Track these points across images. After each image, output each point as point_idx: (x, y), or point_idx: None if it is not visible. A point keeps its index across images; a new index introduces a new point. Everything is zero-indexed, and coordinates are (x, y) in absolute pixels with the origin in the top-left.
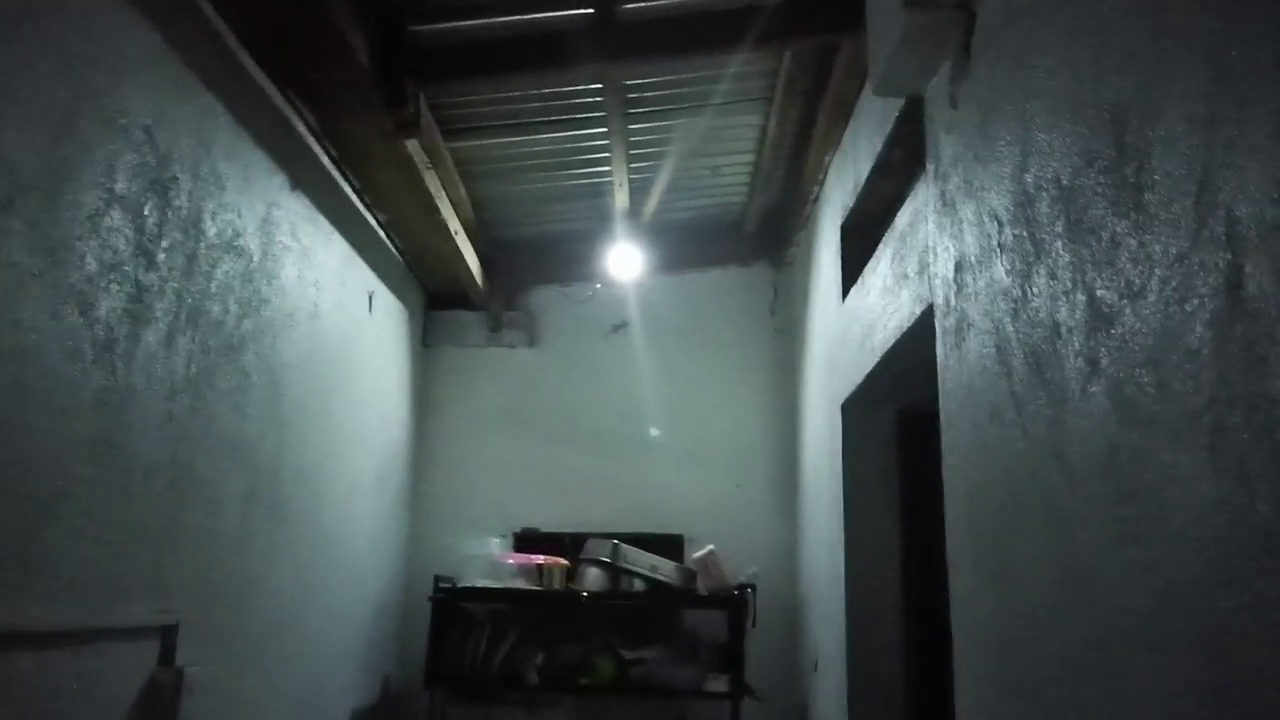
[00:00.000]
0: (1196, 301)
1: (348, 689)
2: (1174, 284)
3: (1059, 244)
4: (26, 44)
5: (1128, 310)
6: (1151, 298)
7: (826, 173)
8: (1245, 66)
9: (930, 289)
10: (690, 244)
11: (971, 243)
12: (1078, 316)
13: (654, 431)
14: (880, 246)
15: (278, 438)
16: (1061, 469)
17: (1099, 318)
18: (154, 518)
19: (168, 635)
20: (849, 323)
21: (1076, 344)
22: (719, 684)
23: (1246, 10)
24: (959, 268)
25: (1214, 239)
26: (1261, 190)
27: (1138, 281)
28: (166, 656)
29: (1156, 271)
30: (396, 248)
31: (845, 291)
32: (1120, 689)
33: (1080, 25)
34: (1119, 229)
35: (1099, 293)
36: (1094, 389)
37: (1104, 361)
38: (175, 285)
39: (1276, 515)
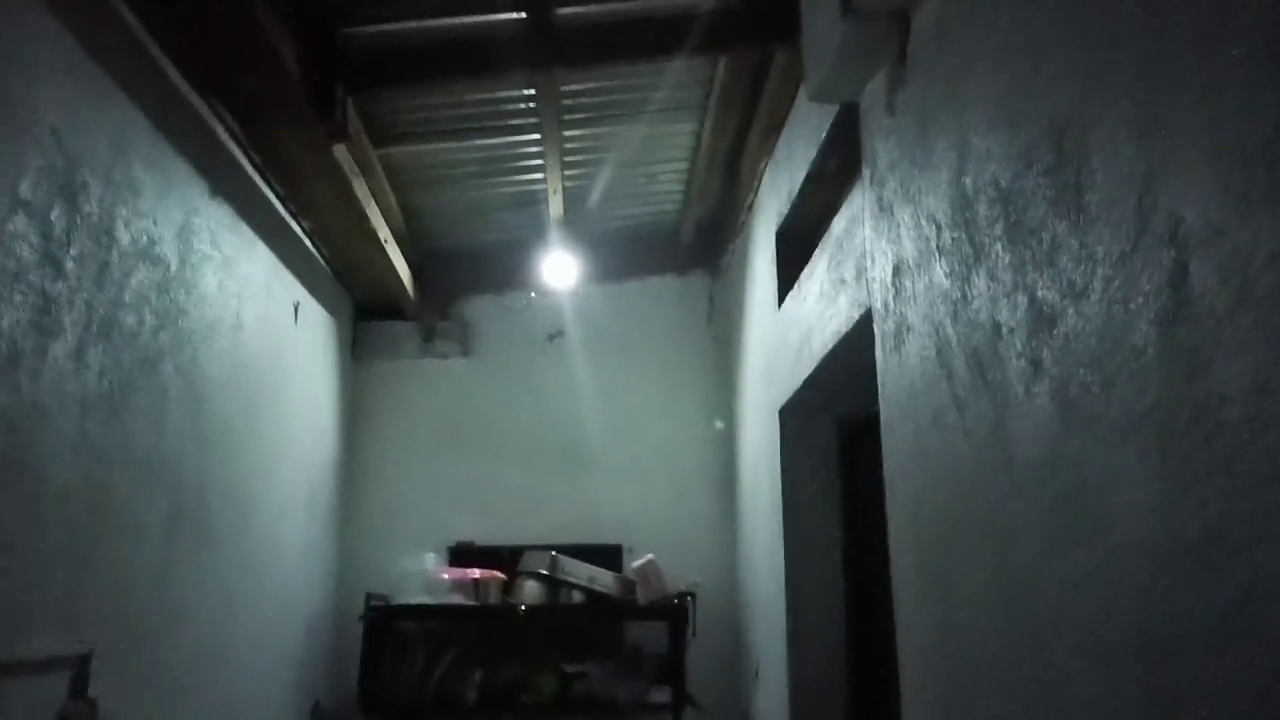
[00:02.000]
0: (1140, 300)
1: (276, 715)
2: (1117, 283)
3: (998, 246)
4: None
5: (1070, 310)
6: (1094, 297)
7: (761, 181)
8: (1181, 76)
9: (868, 293)
10: (626, 253)
11: (909, 246)
12: (1019, 317)
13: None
14: (816, 253)
15: (201, 456)
16: (1005, 474)
17: (1041, 318)
18: (68, 543)
19: (80, 666)
20: (786, 329)
21: (1019, 345)
22: (661, 695)
23: (1180, 28)
24: (897, 271)
25: (1157, 239)
26: (1206, 192)
27: (1080, 281)
28: (79, 688)
29: (1099, 271)
30: (324, 257)
31: (781, 298)
32: (1061, 700)
33: (1015, 37)
34: (1060, 230)
35: (1040, 293)
36: (1037, 390)
37: (1047, 362)
38: (85, 295)
39: (1222, 520)
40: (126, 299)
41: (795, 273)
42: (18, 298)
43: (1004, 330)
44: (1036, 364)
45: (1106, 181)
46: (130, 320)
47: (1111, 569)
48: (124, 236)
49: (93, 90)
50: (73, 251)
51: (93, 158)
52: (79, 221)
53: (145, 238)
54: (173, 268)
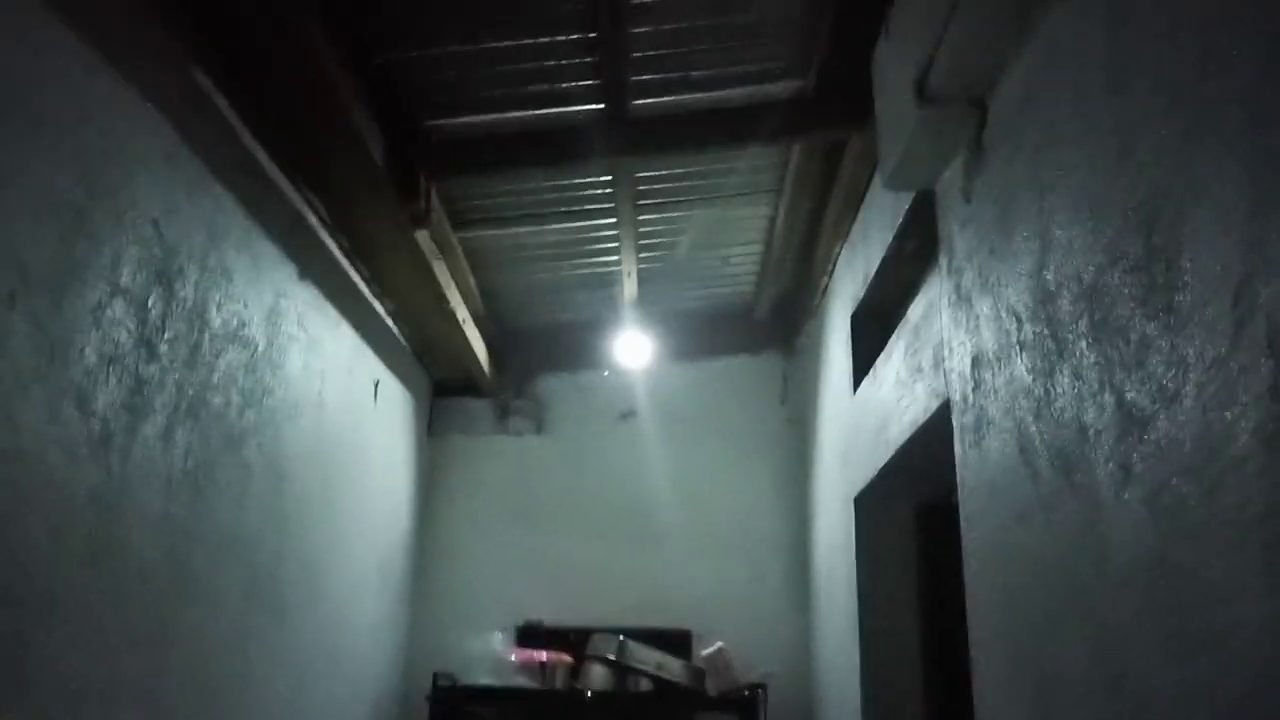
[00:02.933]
0: (1238, 409)
1: None
2: (1212, 389)
3: (1083, 344)
4: (43, 141)
5: (1162, 415)
6: (1188, 403)
7: (836, 263)
8: None
9: (946, 383)
10: (700, 332)
11: (989, 338)
12: (1106, 419)
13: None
14: (893, 338)
15: (279, 532)
16: (1100, 579)
17: (1131, 421)
18: (149, 620)
19: None
20: (861, 415)
21: (1107, 448)
22: None
23: None
24: (976, 363)
25: (1254, 343)
26: None
27: (1171, 386)
28: None
29: (1192, 376)
30: (404, 336)
31: (857, 383)
32: None
33: (1100, 121)
34: (1149, 330)
35: (1129, 395)
36: (1128, 496)
37: (1138, 468)
38: (176, 377)
39: None
40: (215, 380)
41: (871, 356)
42: (113, 381)
43: (1090, 432)
44: (1127, 469)
45: (1198, 280)
46: (218, 400)
47: (1227, 682)
48: (215, 320)
49: (189, 178)
50: (167, 335)
51: (189, 245)
52: (174, 306)
53: (236, 320)
54: (260, 348)
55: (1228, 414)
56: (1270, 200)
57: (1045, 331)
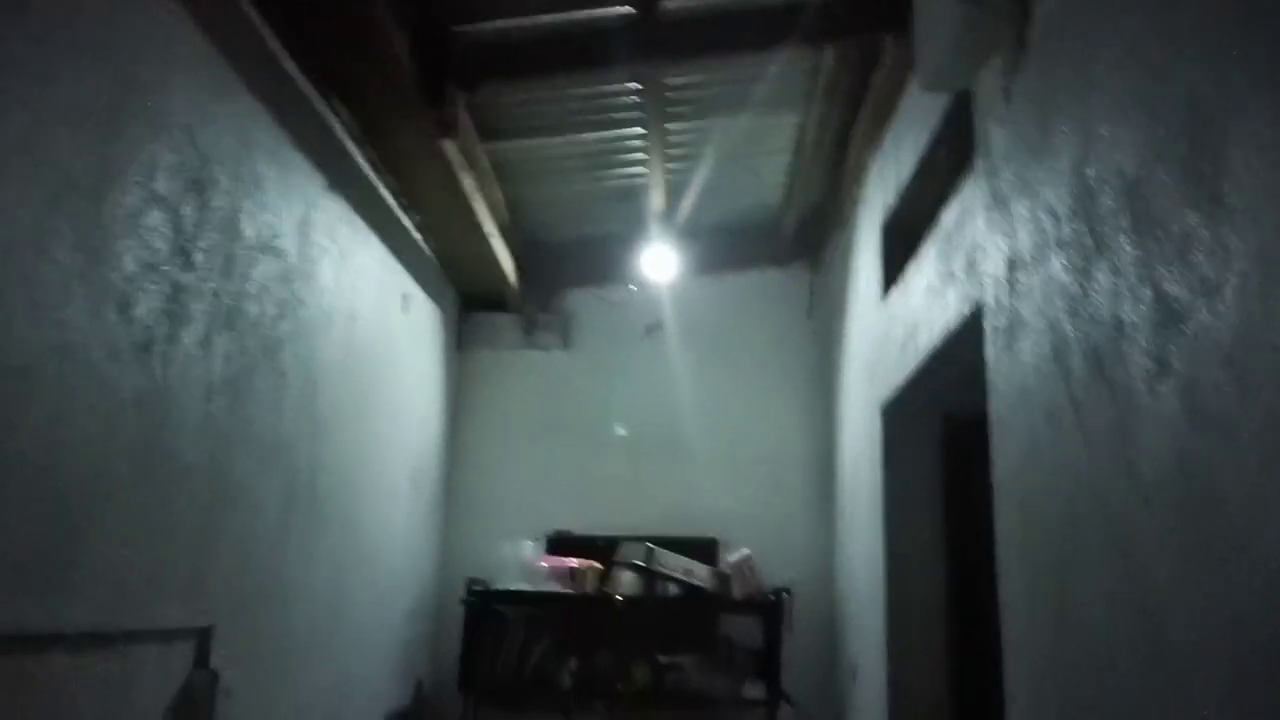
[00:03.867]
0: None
1: (381, 693)
2: (1256, 280)
3: (1123, 239)
4: (76, 40)
5: (1202, 307)
6: (1229, 294)
7: (867, 173)
8: None
9: (980, 288)
10: (726, 246)
11: (1025, 240)
12: (1144, 313)
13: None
14: (924, 246)
15: (314, 440)
16: (1129, 480)
17: (1169, 315)
18: (192, 520)
19: (203, 638)
20: (890, 324)
21: (1143, 342)
22: (755, 691)
23: None
24: (1012, 266)
25: None
26: None
27: (1213, 276)
28: (202, 659)
29: (1235, 266)
30: (432, 250)
31: (886, 292)
32: None
33: (1149, 18)
34: (1191, 222)
35: (1168, 288)
36: (1163, 390)
37: (1175, 361)
38: (213, 285)
39: None
40: (250, 290)
41: (901, 266)
42: (152, 287)
43: (1127, 327)
44: (1163, 362)
45: (1246, 170)
46: (253, 310)
47: (1255, 589)
48: (248, 230)
49: (220, 85)
50: (201, 244)
51: (221, 153)
52: (208, 215)
53: (268, 231)
54: (292, 260)
55: (1270, 302)
56: None
57: (1084, 228)
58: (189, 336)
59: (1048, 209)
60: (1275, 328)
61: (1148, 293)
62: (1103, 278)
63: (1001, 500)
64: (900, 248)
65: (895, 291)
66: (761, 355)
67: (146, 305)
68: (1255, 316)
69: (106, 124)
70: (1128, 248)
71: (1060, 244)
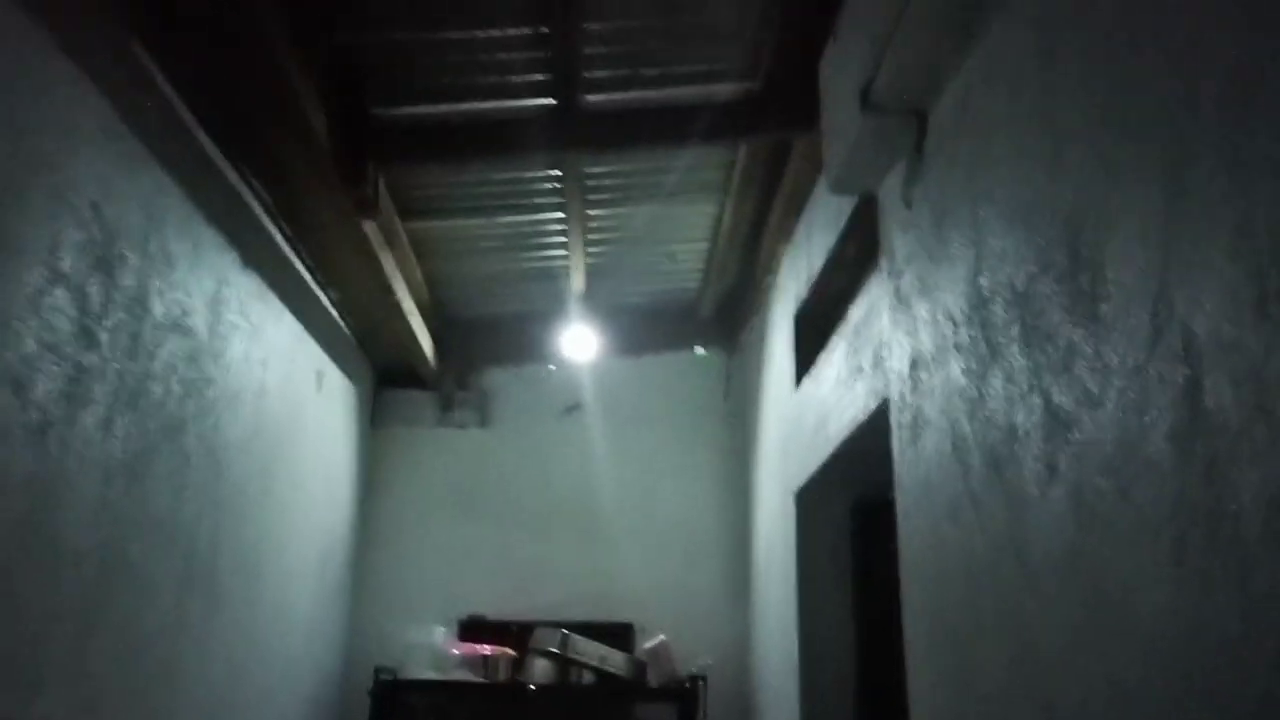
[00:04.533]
0: (1155, 413)
1: None
2: (1132, 394)
3: (1014, 348)
4: None
5: (1086, 418)
6: (1110, 407)
7: (780, 263)
8: (1202, 185)
9: (886, 383)
10: (645, 327)
11: (927, 340)
12: (1035, 420)
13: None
14: (834, 338)
15: (215, 520)
16: (1021, 571)
17: (1057, 423)
18: (80, 605)
19: None
20: (802, 411)
21: (1035, 448)
22: None
23: (1202, 130)
24: (914, 365)
25: (1171, 352)
26: (1218, 306)
27: (1095, 390)
28: None
29: (1114, 381)
30: (348, 326)
31: (799, 379)
32: None
33: (1031, 138)
34: (1075, 337)
35: (1056, 399)
36: (1053, 493)
37: (1063, 466)
38: (117, 366)
39: (1241, 631)
40: (156, 369)
41: (813, 355)
42: (53, 368)
43: (1020, 432)
44: (1052, 468)
45: (1120, 290)
46: (158, 390)
47: (1131, 673)
48: (157, 308)
49: (128, 158)
50: (107, 323)
51: (129, 228)
52: (114, 294)
53: (177, 309)
54: (202, 337)
55: (1145, 417)
56: (1186, 216)
57: (979, 335)
58: (89, 418)
59: (946, 313)
60: (1150, 442)
61: (1038, 401)
62: (997, 384)
63: (907, 586)
64: (812, 336)
65: (807, 380)
66: (679, 437)
67: (44, 387)
68: (1133, 430)
69: (7, 200)
70: (1019, 357)
71: (958, 348)
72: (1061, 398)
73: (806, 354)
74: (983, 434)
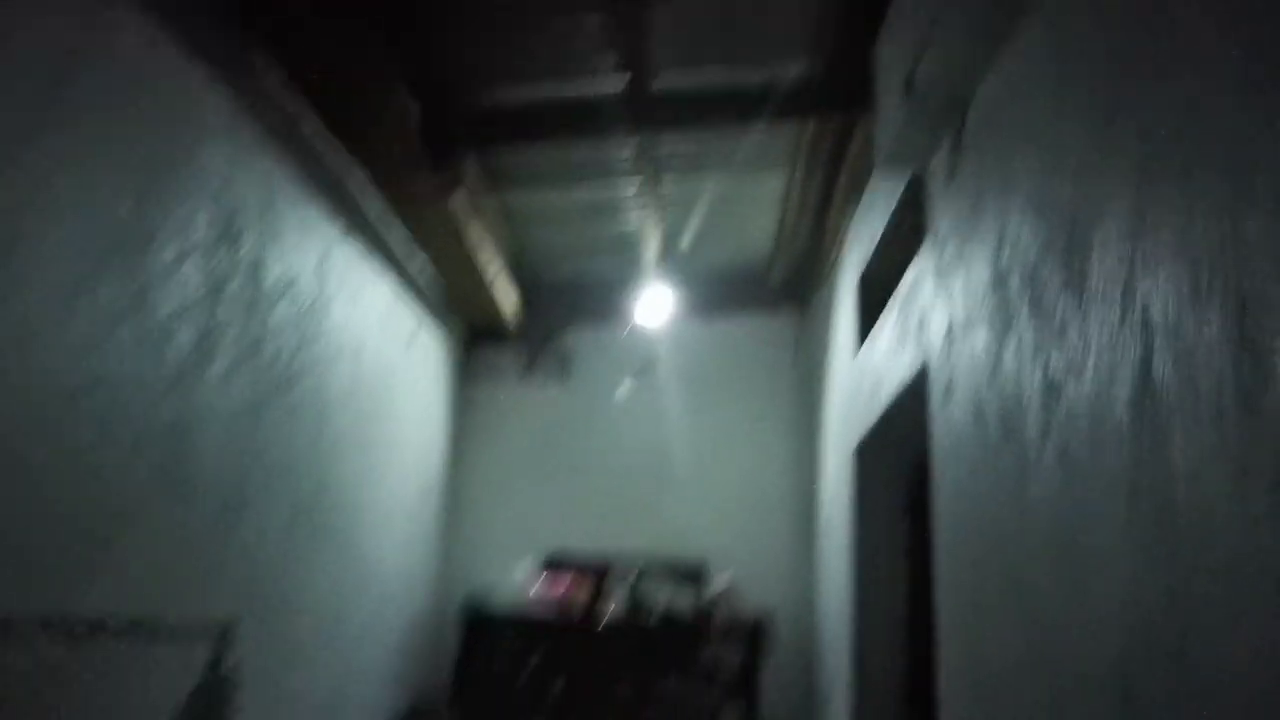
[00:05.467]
0: (1120, 383)
1: (378, 698)
2: (1105, 363)
3: (1024, 319)
4: (123, 109)
5: (1071, 385)
6: (1088, 375)
7: (845, 234)
8: (1162, 194)
9: (927, 349)
10: (718, 291)
11: (960, 310)
12: (1036, 387)
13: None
14: (889, 305)
15: (320, 464)
16: (1020, 518)
17: (1051, 390)
18: (211, 533)
19: (220, 636)
20: (861, 375)
21: (1035, 412)
22: (733, 713)
23: (1162, 151)
24: (950, 332)
25: (1133, 328)
26: (1170, 287)
27: (1079, 360)
28: (221, 653)
29: (1092, 351)
30: (438, 290)
31: (860, 345)
32: None
33: (1044, 135)
34: (1068, 313)
35: (1052, 367)
36: (1046, 455)
37: (1053, 430)
38: (237, 327)
39: (1182, 580)
40: (270, 328)
41: (872, 322)
42: (185, 328)
43: (1025, 398)
44: (1046, 431)
45: (1101, 272)
46: (271, 347)
47: (1099, 591)
48: (271, 274)
49: (247, 145)
50: (229, 289)
51: (247, 206)
52: (236, 263)
53: (288, 275)
54: (308, 300)
55: (1113, 386)
56: (1150, 215)
57: (1000, 307)
58: (214, 373)
59: (976, 286)
60: (1114, 407)
61: (1039, 371)
62: (1010, 352)
63: (939, 541)
64: (873, 305)
65: (866, 345)
66: (749, 397)
67: (179, 344)
68: (1102, 396)
69: (149, 186)
70: (1028, 328)
71: (984, 319)
72: (1055, 367)
73: (867, 321)
74: (998, 399)
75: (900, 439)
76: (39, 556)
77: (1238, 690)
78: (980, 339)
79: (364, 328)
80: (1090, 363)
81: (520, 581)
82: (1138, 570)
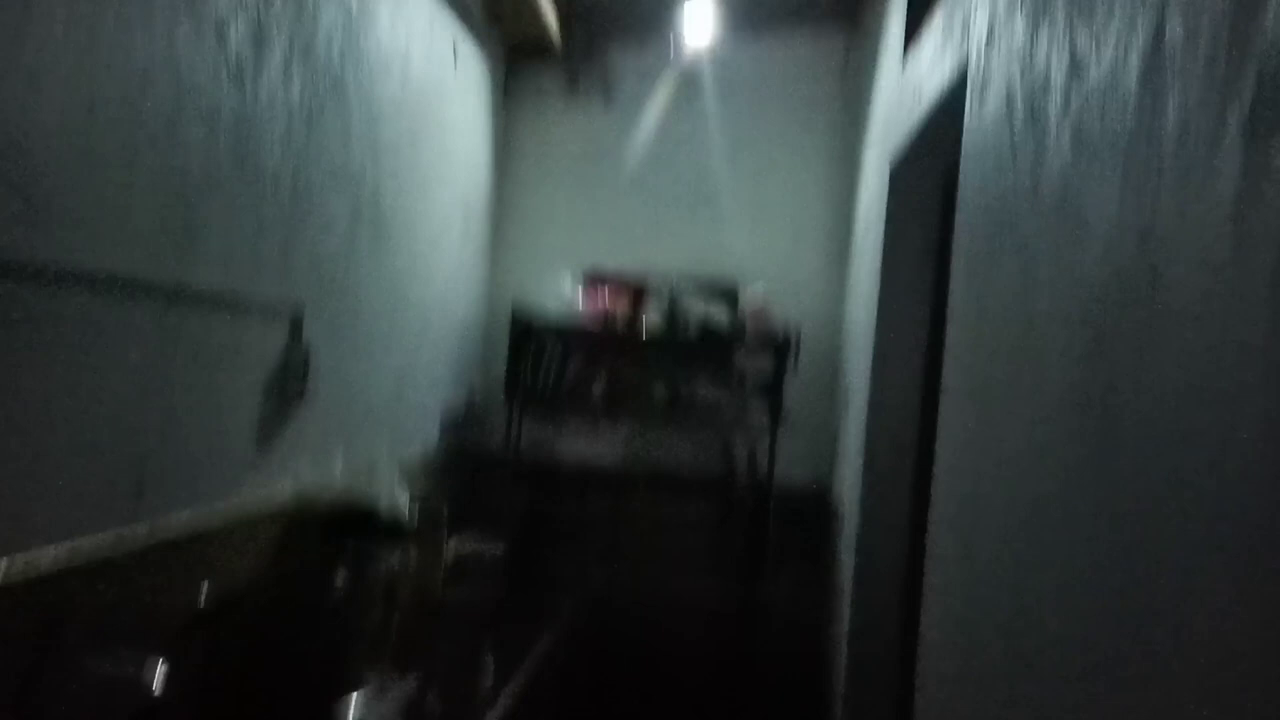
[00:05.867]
0: (1135, 49)
1: (438, 389)
2: (1124, 33)
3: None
4: None
5: (1092, 63)
6: (1108, 50)
7: None
8: None
9: (967, 51)
10: (765, 5)
11: (1001, 4)
12: (1063, 66)
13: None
14: (932, 12)
15: (376, 166)
16: (1034, 207)
17: (1075, 68)
18: (279, 222)
19: (295, 316)
20: (903, 91)
21: (1058, 92)
22: (761, 414)
23: None
24: (990, 30)
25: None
26: None
27: (1101, 34)
28: (296, 333)
29: (1113, 27)
30: (480, 3)
31: (906, 50)
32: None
33: None
34: None
35: (1078, 44)
36: (1063, 133)
37: (1073, 108)
38: (288, 27)
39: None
40: (319, 33)
41: (919, 32)
42: (241, 20)
43: (1051, 81)
44: (1067, 107)
45: None
46: (322, 51)
47: (1082, 260)
48: None
49: None
50: None
51: None
52: None
53: None
54: (354, 9)
55: (1130, 58)
56: None
57: None
58: (273, 65)
59: None
60: (1126, 78)
61: (1066, 50)
62: (1044, 34)
63: (957, 245)
64: (922, 14)
65: (911, 57)
66: (794, 116)
67: (237, 34)
68: (1119, 70)
69: None
70: (1060, 8)
71: (1021, 7)
72: (1081, 42)
73: (913, 32)
74: (1029, 85)
75: (935, 151)
76: (141, 223)
77: (1198, 323)
78: (1018, 30)
79: (409, 38)
80: (1111, 38)
81: (563, 294)
82: (1122, 217)
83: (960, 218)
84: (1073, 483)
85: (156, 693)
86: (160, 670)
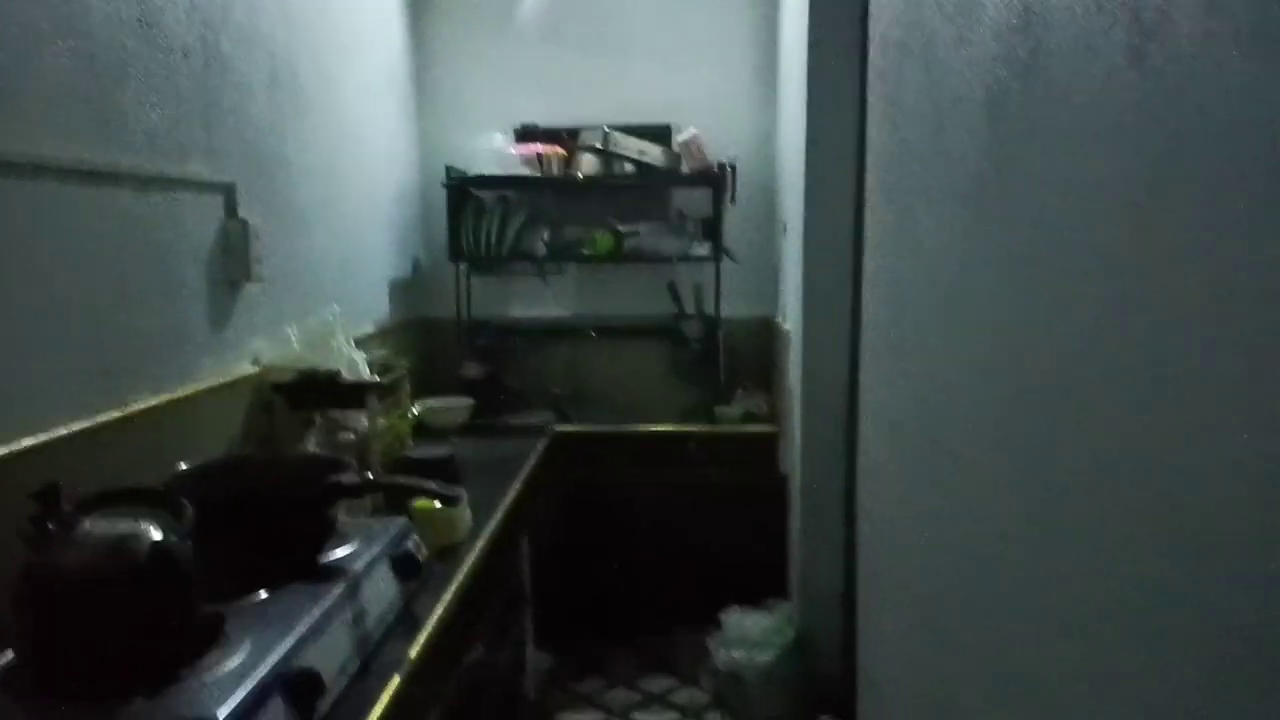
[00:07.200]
0: None
1: (383, 261)
2: None
3: None
4: None
5: None
6: None
7: None
8: None
9: None
10: None
11: None
12: None
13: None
14: None
15: (289, 32)
16: (938, 8)
17: None
18: (197, 92)
19: (229, 193)
20: None
21: None
22: (702, 249)
23: None
24: None
25: None
26: None
27: None
28: (231, 210)
29: None
30: None
31: None
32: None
33: None
34: None
35: None
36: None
37: None
38: None
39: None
40: None
41: None
42: None
43: None
44: None
45: None
46: None
47: (976, 55)
48: None
49: None
50: None
51: None
52: None
53: None
54: None
55: None
56: None
57: None
58: None
59: None
60: None
61: None
62: None
63: (872, 53)
64: None
65: None
66: None
67: None
68: None
69: None
70: None
71: None
72: None
73: None
74: None
75: None
76: (60, 110)
77: (1081, 105)
78: None
79: None
80: None
81: (497, 149)
82: (1009, 14)
83: (874, 28)
84: (977, 254)
85: (157, 539)
86: (158, 521)
